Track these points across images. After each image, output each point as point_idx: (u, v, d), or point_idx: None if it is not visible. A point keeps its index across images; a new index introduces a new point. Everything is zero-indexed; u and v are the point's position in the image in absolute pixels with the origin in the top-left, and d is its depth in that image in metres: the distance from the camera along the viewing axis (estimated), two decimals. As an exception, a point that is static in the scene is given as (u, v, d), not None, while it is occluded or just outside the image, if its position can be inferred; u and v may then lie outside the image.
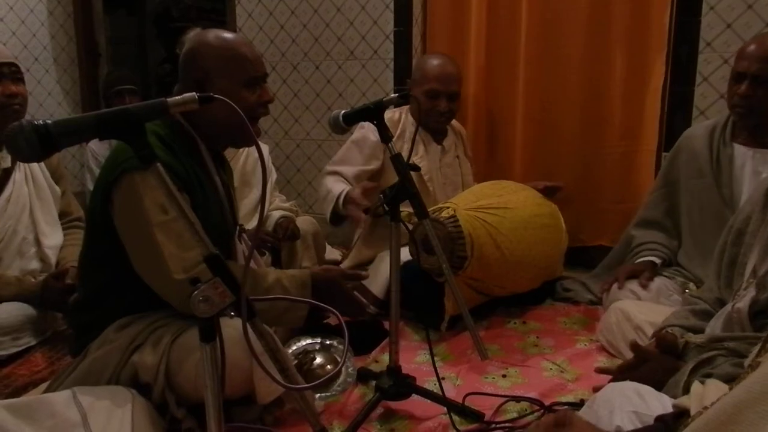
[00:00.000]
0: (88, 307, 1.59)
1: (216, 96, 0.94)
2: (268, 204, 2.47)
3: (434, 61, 2.51)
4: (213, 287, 0.95)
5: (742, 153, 2.01)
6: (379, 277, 2.34)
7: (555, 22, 2.70)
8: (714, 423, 0.78)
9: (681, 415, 1.05)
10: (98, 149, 3.15)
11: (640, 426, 1.17)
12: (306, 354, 1.86)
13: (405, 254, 2.04)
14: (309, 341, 1.93)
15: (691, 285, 2.06)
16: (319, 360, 1.83)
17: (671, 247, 2.20)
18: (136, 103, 1.06)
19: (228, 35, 1.56)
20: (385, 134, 1.54)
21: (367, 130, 2.47)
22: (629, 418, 1.20)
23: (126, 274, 1.47)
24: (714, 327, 1.50)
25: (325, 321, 2.04)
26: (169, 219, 1.38)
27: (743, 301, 1.43)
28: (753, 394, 0.76)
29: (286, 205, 2.67)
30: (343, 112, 1.59)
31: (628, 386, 1.33)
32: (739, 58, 1.94)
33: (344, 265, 2.62)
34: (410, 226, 1.93)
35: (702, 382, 1.16)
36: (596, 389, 1.49)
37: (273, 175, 2.77)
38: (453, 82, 2.48)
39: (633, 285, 2.08)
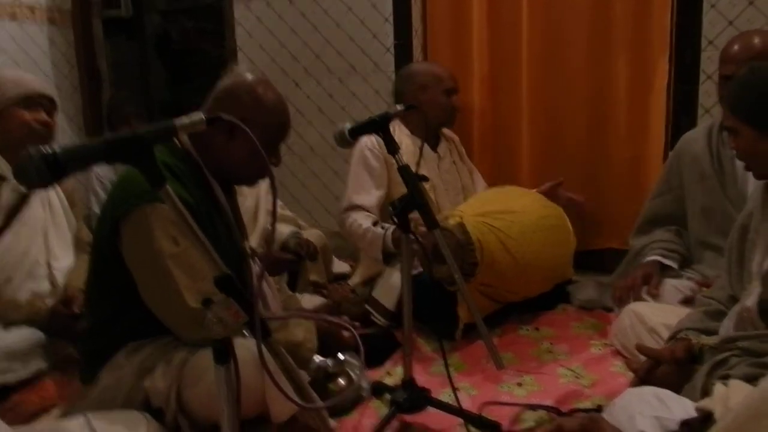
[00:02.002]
0: (96, 334, 1.58)
1: (224, 116, 0.94)
2: (264, 212, 2.43)
3: (435, 65, 2.71)
4: (226, 308, 0.94)
5: None
6: (390, 290, 2.32)
7: (557, 28, 2.70)
8: (743, 417, 0.77)
9: (707, 419, 1.04)
10: (103, 172, 3.16)
11: (662, 431, 1.15)
12: (320, 370, 1.84)
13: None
14: (322, 357, 1.91)
15: (704, 289, 2.03)
16: (333, 376, 1.81)
17: (676, 241, 2.16)
18: (142, 126, 1.06)
19: (280, 101, 1.62)
20: (391, 146, 1.54)
21: (363, 149, 2.47)
22: (651, 424, 1.18)
23: (134, 301, 1.46)
24: (727, 327, 1.49)
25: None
26: (181, 250, 1.38)
27: (751, 299, 1.43)
28: None
29: (288, 213, 2.65)
30: (348, 126, 1.59)
31: (647, 391, 1.32)
32: (724, 61, 1.93)
33: (353, 279, 2.60)
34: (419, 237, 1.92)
35: (724, 384, 1.14)
36: None
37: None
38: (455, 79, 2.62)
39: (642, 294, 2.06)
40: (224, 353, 0.96)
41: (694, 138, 2.12)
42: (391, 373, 1.97)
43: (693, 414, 1.11)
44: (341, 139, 1.59)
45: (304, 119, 3.31)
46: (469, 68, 2.85)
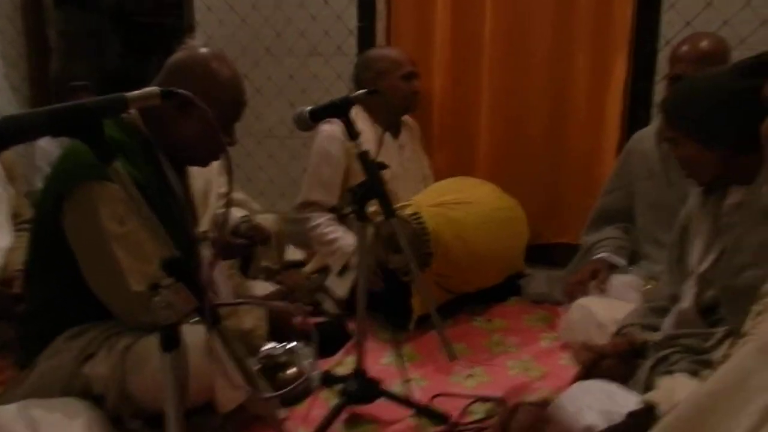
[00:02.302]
0: (36, 316, 1.51)
1: (179, 91, 0.89)
2: (215, 194, 2.38)
3: (393, 49, 2.65)
4: (175, 292, 0.90)
5: None
6: (343, 278, 2.30)
7: (521, 16, 2.70)
8: (689, 414, 0.78)
9: (651, 411, 1.06)
10: (48, 147, 3.02)
11: (609, 424, 1.17)
12: (269, 358, 1.81)
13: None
14: (272, 345, 1.88)
15: (652, 282, 2.08)
16: (283, 365, 1.78)
17: (625, 238, 2.20)
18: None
19: (236, 77, 1.54)
20: (352, 131, 1.51)
21: (323, 140, 2.43)
22: (598, 417, 1.20)
23: (76, 282, 1.40)
24: (668, 325, 1.52)
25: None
26: (127, 231, 1.33)
27: (688, 301, 1.45)
28: (727, 384, 0.76)
29: (241, 196, 2.59)
30: (309, 108, 1.55)
31: (595, 385, 1.34)
32: (674, 60, 1.97)
33: (308, 268, 2.57)
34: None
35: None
36: None
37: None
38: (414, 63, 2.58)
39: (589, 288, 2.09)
40: (171, 339, 0.92)
41: (644, 136, 2.17)
42: (343, 363, 1.95)
43: (639, 407, 1.13)
44: (301, 121, 1.55)
45: (262, 99, 3.24)
46: (430, 53, 2.83)
